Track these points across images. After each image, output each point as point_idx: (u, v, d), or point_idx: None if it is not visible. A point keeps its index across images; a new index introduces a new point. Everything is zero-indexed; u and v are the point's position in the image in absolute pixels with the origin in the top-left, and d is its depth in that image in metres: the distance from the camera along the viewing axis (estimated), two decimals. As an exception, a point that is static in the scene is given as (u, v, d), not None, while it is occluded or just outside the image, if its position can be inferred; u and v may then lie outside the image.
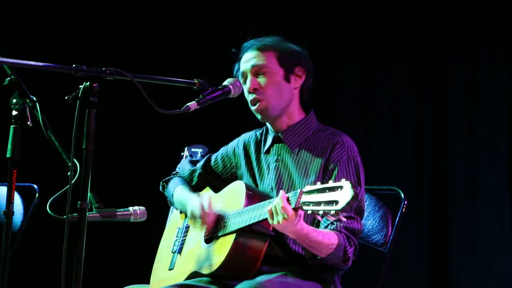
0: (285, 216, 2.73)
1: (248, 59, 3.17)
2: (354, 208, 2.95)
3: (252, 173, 3.25)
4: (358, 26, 5.19)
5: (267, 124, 3.25)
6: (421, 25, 5.07)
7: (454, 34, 4.99)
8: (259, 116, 3.17)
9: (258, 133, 3.33)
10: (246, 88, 3.16)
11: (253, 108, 3.16)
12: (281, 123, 3.19)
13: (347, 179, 2.86)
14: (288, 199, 2.74)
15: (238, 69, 3.22)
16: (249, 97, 3.16)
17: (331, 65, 5.10)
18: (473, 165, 4.89)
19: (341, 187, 2.58)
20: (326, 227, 2.99)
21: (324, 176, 3.05)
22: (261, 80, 3.14)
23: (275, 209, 2.77)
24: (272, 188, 3.15)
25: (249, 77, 3.15)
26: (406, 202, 3.50)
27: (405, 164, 5.04)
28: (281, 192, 2.76)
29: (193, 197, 3.24)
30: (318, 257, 2.96)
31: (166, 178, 3.52)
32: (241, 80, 3.19)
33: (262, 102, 3.13)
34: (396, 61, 5.12)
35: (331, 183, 2.62)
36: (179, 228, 3.39)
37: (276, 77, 3.15)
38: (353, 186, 2.55)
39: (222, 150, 3.41)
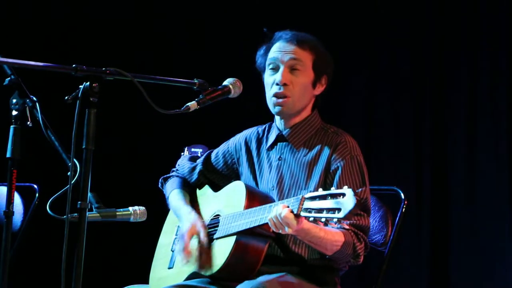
0: (289, 227, 2.73)
1: (286, 50, 3.12)
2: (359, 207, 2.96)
3: (253, 170, 3.24)
4: (359, 26, 5.20)
5: (275, 119, 3.23)
6: (421, 25, 5.07)
7: (454, 34, 4.99)
8: (276, 109, 3.13)
9: (260, 129, 3.32)
10: (275, 78, 3.11)
11: (275, 100, 3.11)
12: (290, 122, 3.17)
13: (351, 179, 2.86)
14: (289, 206, 2.74)
15: (266, 52, 3.17)
16: (275, 89, 3.11)
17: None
18: (473, 165, 4.89)
19: (343, 195, 2.57)
20: (333, 226, 2.98)
21: (327, 176, 3.04)
22: (294, 77, 3.11)
23: (277, 221, 2.75)
24: (273, 187, 3.14)
25: (282, 69, 3.10)
26: (406, 202, 3.49)
27: (405, 164, 5.03)
28: (281, 205, 2.75)
29: (184, 216, 3.21)
30: (327, 257, 2.95)
31: (166, 176, 3.52)
32: (267, 66, 3.15)
33: (289, 99, 3.10)
34: (396, 61, 5.12)
35: (333, 190, 2.61)
36: (178, 226, 3.37)
37: (307, 79, 3.12)
38: (355, 194, 2.54)
39: (223, 146, 3.40)
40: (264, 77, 3.19)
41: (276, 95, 3.11)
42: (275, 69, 3.13)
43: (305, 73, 3.11)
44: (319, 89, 3.17)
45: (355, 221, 2.97)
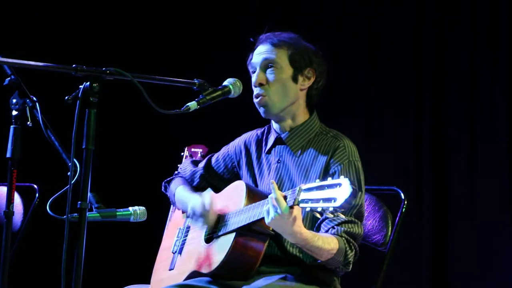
0: (278, 210, 2.72)
1: (261, 52, 3.15)
2: (354, 211, 2.96)
3: (252, 173, 3.25)
4: (358, 25, 5.20)
5: (272, 122, 3.24)
6: (420, 25, 5.07)
7: (454, 34, 4.99)
8: (261, 111, 3.16)
9: (259, 132, 3.32)
10: (252, 80, 3.16)
11: (255, 100, 3.15)
12: (284, 124, 3.18)
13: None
14: (286, 198, 2.74)
15: (251, 59, 3.21)
16: (254, 91, 3.15)
17: (330, 65, 5.09)
18: (473, 165, 4.89)
19: (339, 184, 2.57)
20: (326, 231, 2.98)
21: (325, 179, 3.04)
22: (269, 75, 3.12)
23: (270, 204, 2.75)
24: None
25: (257, 71, 3.14)
26: (406, 202, 3.49)
27: (405, 164, 5.04)
28: (271, 183, 2.74)
29: (194, 196, 3.23)
30: (318, 261, 2.96)
31: (168, 179, 3.52)
32: (250, 71, 3.20)
33: (265, 98, 3.12)
34: (396, 61, 5.12)
35: (329, 181, 2.61)
36: (180, 229, 3.39)
37: (284, 75, 3.13)
38: (352, 183, 2.55)
39: (223, 150, 3.41)
40: None
41: (255, 97, 3.15)
42: (253, 72, 3.17)
43: (281, 69, 3.12)
44: (305, 83, 3.16)
45: (348, 229, 2.97)
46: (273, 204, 2.73)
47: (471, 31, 4.95)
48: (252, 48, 3.22)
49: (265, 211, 2.79)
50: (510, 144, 4.82)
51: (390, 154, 5.08)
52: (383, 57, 5.15)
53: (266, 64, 3.13)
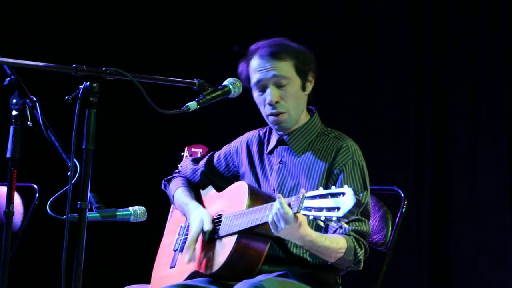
0: (287, 221, 2.72)
1: (266, 68, 3.09)
2: (360, 210, 2.96)
3: (255, 173, 3.24)
4: (358, 24, 5.20)
5: None
6: (420, 25, 5.07)
7: (454, 35, 4.99)
8: (276, 127, 3.14)
9: (261, 132, 3.31)
10: (265, 98, 3.10)
11: (272, 119, 3.11)
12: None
13: (352, 184, 2.85)
14: (289, 205, 2.74)
15: (247, 68, 3.15)
16: (268, 109, 3.10)
17: (330, 65, 5.10)
18: (473, 165, 4.90)
19: (343, 194, 2.57)
20: (334, 231, 2.98)
21: (328, 180, 3.04)
22: (283, 91, 3.09)
23: (276, 216, 2.75)
24: (274, 190, 3.14)
25: (270, 89, 3.08)
26: (406, 202, 3.49)
27: (405, 164, 5.04)
28: (279, 197, 2.74)
29: (192, 211, 3.22)
30: (329, 263, 2.96)
31: (168, 177, 3.51)
32: (254, 87, 3.13)
33: (284, 115, 3.10)
34: (396, 60, 5.12)
35: (333, 189, 2.61)
36: (181, 226, 3.38)
37: (295, 87, 3.10)
38: (355, 193, 2.54)
39: (225, 149, 3.40)
40: (252, 93, 3.17)
41: (271, 115, 3.12)
42: (262, 90, 3.11)
43: (292, 82, 3.09)
44: (309, 87, 3.16)
45: (356, 227, 2.97)
46: (283, 218, 2.72)
47: (471, 30, 4.95)
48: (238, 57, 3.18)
49: (272, 223, 2.77)
50: (511, 143, 4.82)
51: (390, 154, 5.08)
52: (383, 57, 5.15)
53: (278, 81, 3.08)
